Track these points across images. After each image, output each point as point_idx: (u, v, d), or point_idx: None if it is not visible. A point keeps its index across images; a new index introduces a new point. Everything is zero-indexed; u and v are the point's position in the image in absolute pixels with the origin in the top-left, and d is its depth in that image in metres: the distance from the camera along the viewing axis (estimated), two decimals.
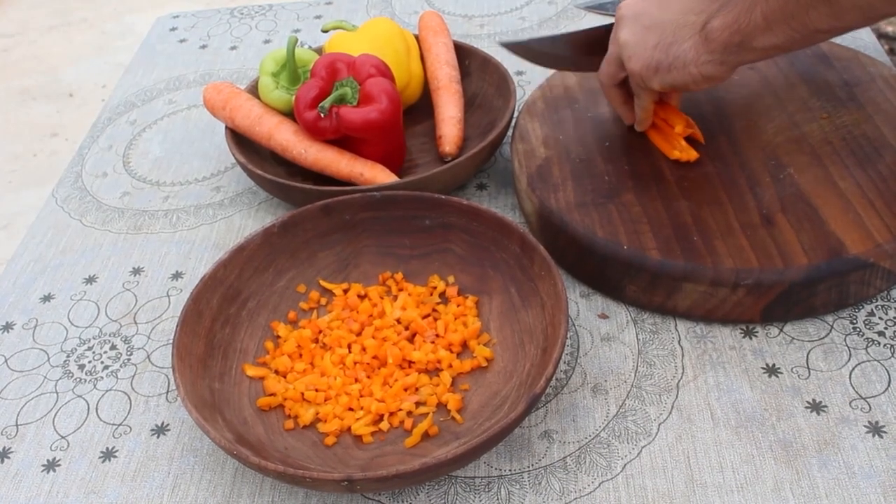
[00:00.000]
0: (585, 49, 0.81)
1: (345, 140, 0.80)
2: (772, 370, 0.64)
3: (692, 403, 0.63)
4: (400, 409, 0.63)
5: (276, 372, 0.67)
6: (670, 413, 0.62)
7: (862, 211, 0.68)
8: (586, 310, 0.71)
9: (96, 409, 0.69)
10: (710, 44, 0.65)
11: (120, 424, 0.67)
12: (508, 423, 0.55)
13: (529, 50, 0.83)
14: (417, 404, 0.64)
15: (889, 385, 0.62)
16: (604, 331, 0.69)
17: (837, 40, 0.91)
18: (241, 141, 0.86)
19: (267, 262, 0.72)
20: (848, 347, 0.65)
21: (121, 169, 0.95)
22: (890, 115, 0.77)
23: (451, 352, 0.67)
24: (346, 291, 0.73)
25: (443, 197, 0.72)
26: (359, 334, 0.69)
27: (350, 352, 0.67)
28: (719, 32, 0.64)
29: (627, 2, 0.71)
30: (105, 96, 2.56)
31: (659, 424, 0.62)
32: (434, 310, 0.70)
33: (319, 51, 0.93)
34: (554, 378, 0.64)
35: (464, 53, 0.93)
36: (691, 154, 0.75)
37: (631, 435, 0.61)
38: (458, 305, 0.70)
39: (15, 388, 0.71)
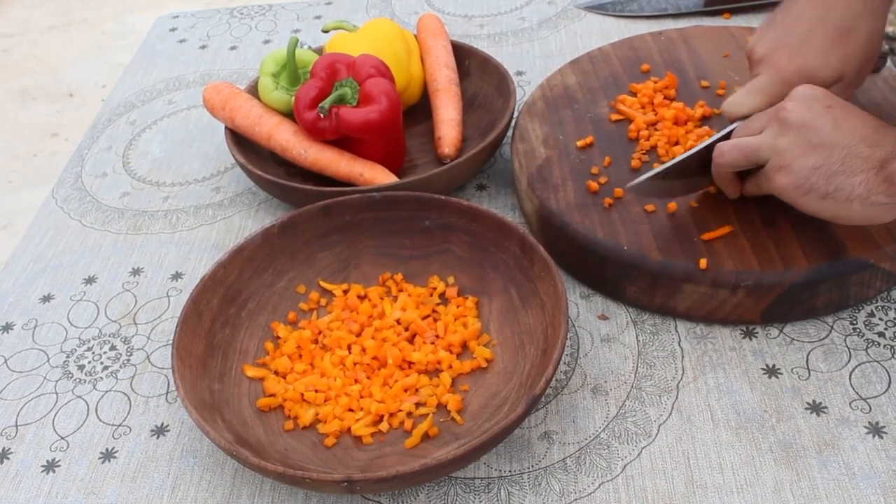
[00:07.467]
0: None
1: (344, 140, 0.80)
2: (772, 371, 0.64)
3: (692, 404, 0.63)
4: (400, 410, 0.63)
5: (276, 373, 0.67)
6: (670, 414, 0.62)
7: None
8: (586, 311, 0.71)
9: (96, 410, 0.68)
10: (893, 187, 0.58)
11: (119, 425, 0.67)
12: (508, 424, 0.55)
13: (654, 186, 0.70)
14: (417, 405, 0.64)
15: (889, 386, 0.62)
16: (604, 332, 0.69)
17: None
18: (241, 141, 0.86)
19: (267, 263, 0.72)
20: (848, 348, 0.65)
21: (120, 169, 0.95)
22: (891, 116, 0.77)
23: (451, 353, 0.67)
24: (345, 292, 0.73)
25: (442, 197, 0.71)
26: (359, 335, 0.69)
27: (350, 353, 0.67)
28: None
29: (794, 105, 0.62)
30: (105, 96, 2.55)
31: (659, 425, 0.62)
32: (434, 311, 0.70)
33: (319, 51, 0.93)
34: (554, 379, 0.64)
35: (463, 54, 0.93)
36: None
37: (631, 436, 0.61)
38: (458, 306, 0.70)
39: (14, 388, 0.71)
